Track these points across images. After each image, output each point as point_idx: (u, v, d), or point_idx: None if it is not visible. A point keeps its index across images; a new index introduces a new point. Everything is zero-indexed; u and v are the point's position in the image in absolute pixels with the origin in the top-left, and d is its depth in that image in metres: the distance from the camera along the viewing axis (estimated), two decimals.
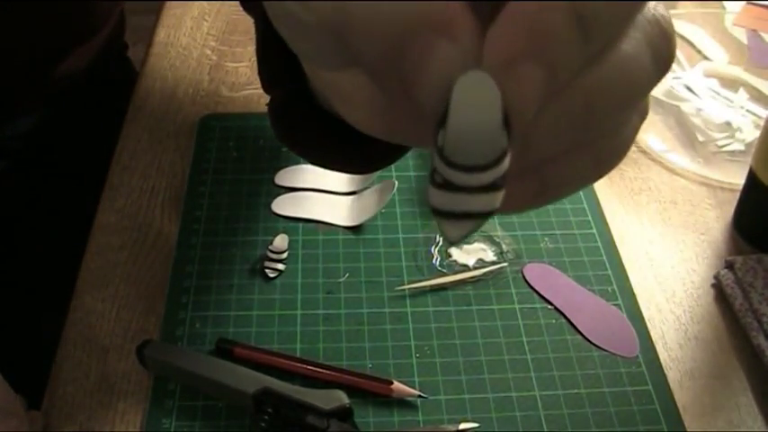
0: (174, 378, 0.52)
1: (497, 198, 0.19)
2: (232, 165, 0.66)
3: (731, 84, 0.75)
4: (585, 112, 0.20)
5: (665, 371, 0.54)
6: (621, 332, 0.56)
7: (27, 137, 0.77)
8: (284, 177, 0.65)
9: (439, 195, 0.19)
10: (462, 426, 0.50)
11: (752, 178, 0.61)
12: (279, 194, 0.64)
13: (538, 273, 0.60)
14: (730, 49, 0.80)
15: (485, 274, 0.59)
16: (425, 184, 0.20)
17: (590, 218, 0.63)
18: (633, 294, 0.58)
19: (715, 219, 0.65)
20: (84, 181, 0.69)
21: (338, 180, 0.64)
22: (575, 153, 0.21)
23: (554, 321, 0.56)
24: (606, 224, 0.63)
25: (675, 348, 0.55)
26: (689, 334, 0.56)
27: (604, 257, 0.61)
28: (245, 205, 0.63)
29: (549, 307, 0.57)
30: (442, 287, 0.58)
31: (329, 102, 0.27)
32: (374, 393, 0.51)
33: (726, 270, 0.59)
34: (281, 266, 0.58)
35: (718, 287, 0.59)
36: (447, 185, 0.18)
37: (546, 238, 0.62)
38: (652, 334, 0.56)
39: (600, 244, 0.62)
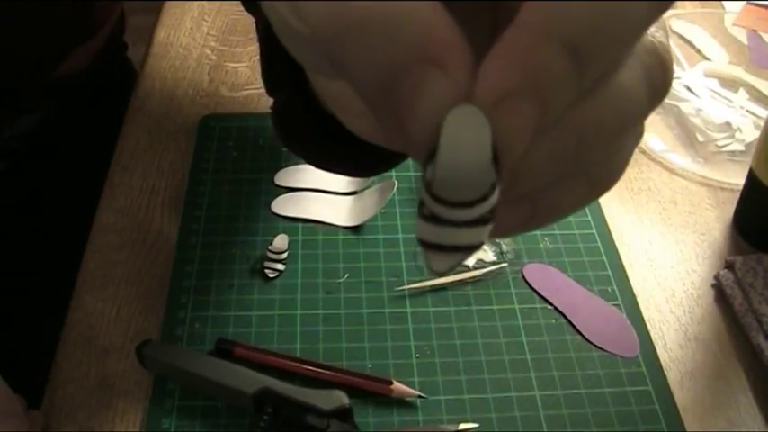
0: (174, 378, 0.52)
1: (485, 232, 0.19)
2: (232, 165, 0.66)
3: (731, 84, 0.75)
4: (578, 145, 0.19)
5: (665, 371, 0.54)
6: (621, 332, 0.56)
7: (27, 137, 0.77)
8: (284, 177, 0.65)
9: (426, 228, 0.19)
10: (462, 426, 0.50)
11: (752, 178, 0.61)
12: (279, 194, 0.64)
13: (538, 273, 0.59)
14: (730, 50, 0.80)
15: (485, 274, 0.59)
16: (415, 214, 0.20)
17: (590, 218, 0.63)
18: (633, 294, 0.58)
19: (715, 219, 0.65)
20: (85, 181, 0.69)
21: (338, 180, 0.64)
22: (568, 180, 0.21)
23: (554, 321, 0.56)
24: (606, 224, 0.63)
25: (675, 348, 0.55)
26: (689, 334, 0.56)
27: (604, 257, 0.61)
28: (244, 205, 0.63)
29: (549, 307, 0.57)
30: (442, 287, 0.58)
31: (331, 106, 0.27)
32: (374, 393, 0.51)
33: (726, 270, 0.59)
34: (280, 266, 0.58)
35: (718, 287, 0.59)
36: (434, 219, 0.18)
37: (546, 238, 0.62)
38: (652, 334, 0.56)
39: (600, 244, 0.62)
